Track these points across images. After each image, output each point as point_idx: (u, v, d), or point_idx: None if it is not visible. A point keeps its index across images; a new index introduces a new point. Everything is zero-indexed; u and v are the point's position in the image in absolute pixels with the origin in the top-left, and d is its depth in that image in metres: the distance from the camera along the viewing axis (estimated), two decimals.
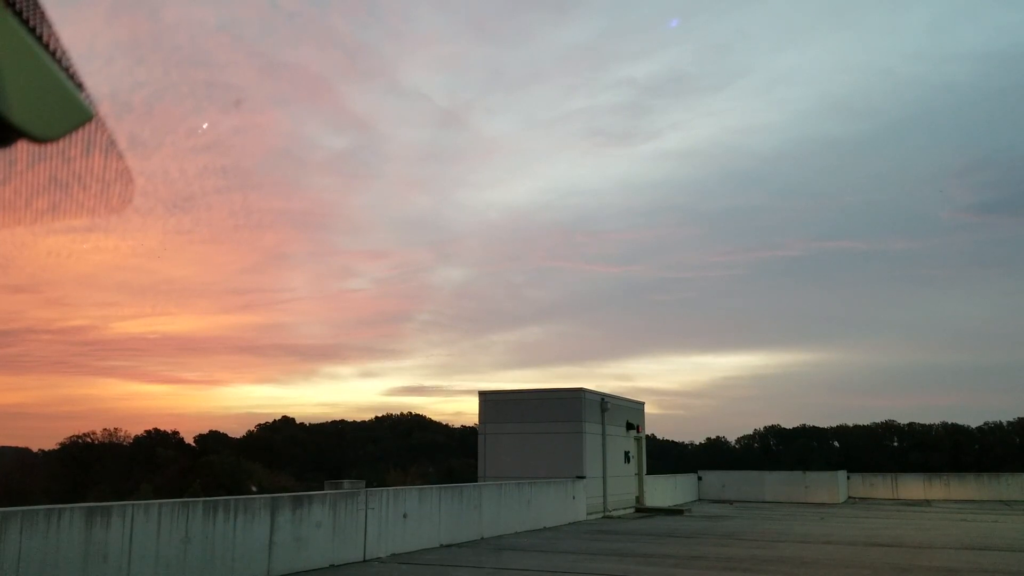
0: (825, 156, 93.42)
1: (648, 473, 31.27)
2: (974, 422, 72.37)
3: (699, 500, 36.27)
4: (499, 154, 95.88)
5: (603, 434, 26.88)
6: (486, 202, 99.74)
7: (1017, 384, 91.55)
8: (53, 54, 1.19)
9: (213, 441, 69.04)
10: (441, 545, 16.55)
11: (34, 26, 1.15)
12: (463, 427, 74.44)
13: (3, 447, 69.13)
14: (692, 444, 79.70)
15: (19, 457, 64.69)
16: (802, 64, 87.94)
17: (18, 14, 1.12)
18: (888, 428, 75.67)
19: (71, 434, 63.02)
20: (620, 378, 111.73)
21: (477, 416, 27.33)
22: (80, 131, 1.24)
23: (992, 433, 71.07)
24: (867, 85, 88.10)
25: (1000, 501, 35.71)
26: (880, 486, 39.37)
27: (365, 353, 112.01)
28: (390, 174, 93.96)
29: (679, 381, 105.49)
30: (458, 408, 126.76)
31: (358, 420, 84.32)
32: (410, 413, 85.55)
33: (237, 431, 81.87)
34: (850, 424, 76.73)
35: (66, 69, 1.21)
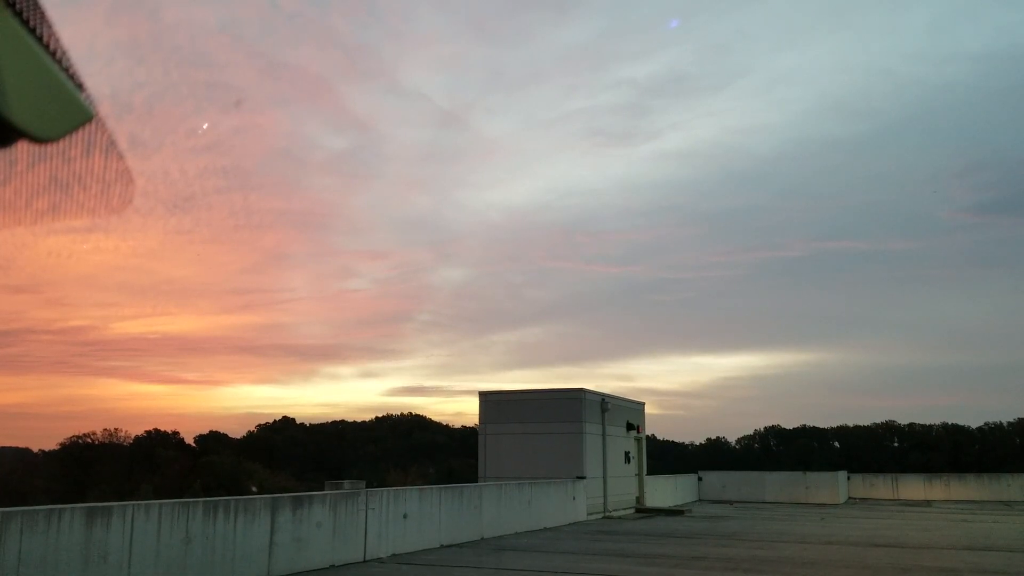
0: (825, 156, 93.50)
1: (648, 473, 31.27)
2: (974, 422, 72.46)
3: (699, 500, 36.26)
4: (499, 154, 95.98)
5: (603, 434, 26.88)
6: (486, 202, 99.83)
7: (1017, 384, 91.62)
8: (53, 54, 1.18)
9: (213, 441, 69.04)
10: (441, 545, 16.55)
11: (34, 26, 1.15)
12: (463, 427, 74.50)
13: (3, 447, 69.26)
14: (692, 444, 79.76)
15: (19, 457, 64.74)
16: (802, 64, 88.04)
17: (18, 14, 1.12)
18: (888, 428, 75.66)
19: (71, 434, 63.10)
20: (620, 378, 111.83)
21: (477, 416, 27.35)
22: (80, 131, 1.24)
23: (992, 433, 71.05)
24: (867, 85, 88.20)
25: (1000, 501, 35.70)
26: (880, 486, 39.36)
27: (365, 353, 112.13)
28: (390, 174, 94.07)
29: (679, 381, 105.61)
30: (458, 408, 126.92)
31: (358, 420, 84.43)
32: (410, 413, 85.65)
33: (237, 431, 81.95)
34: (850, 424, 76.81)
35: (66, 69, 1.21)
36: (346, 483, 17.45)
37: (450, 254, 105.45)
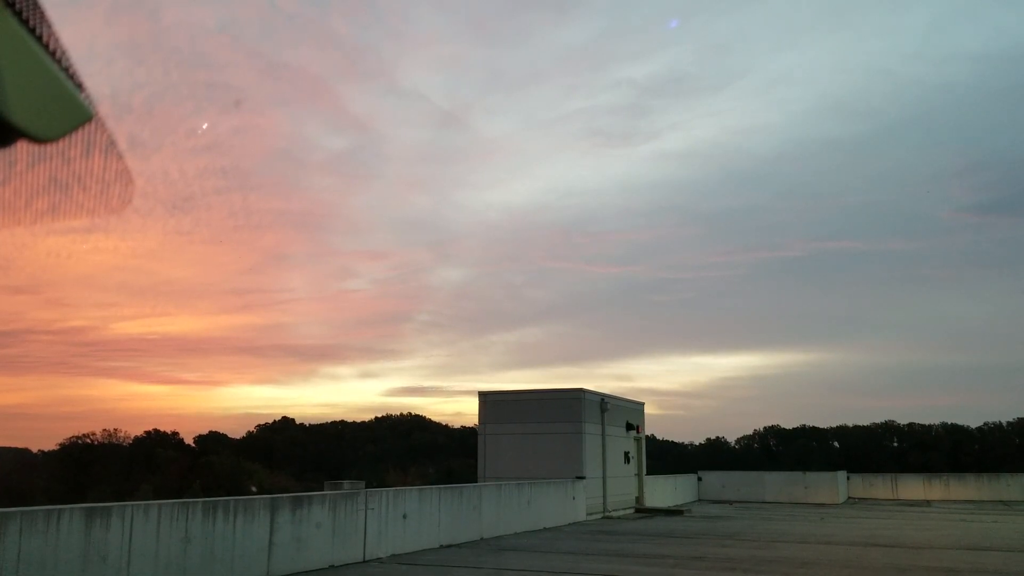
0: (825, 157, 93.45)
1: (648, 473, 31.27)
2: (974, 422, 72.44)
3: (699, 501, 36.27)
4: (499, 154, 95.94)
5: (603, 434, 26.88)
6: (485, 202, 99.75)
7: (1017, 384, 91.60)
8: (53, 54, 1.18)
9: (213, 442, 69.04)
10: (441, 546, 16.55)
11: (34, 26, 1.15)
12: (463, 428, 74.47)
13: (3, 448, 69.18)
14: (692, 444, 79.74)
15: (19, 458, 64.68)
16: (802, 64, 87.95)
17: (18, 14, 1.12)
18: (888, 428, 75.68)
19: (71, 435, 63.01)
20: (620, 378, 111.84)
21: (477, 416, 27.34)
22: (80, 132, 1.24)
23: (992, 433, 71.07)
24: (867, 86, 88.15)
25: (1000, 501, 35.71)
26: (880, 486, 39.37)
27: (364, 354, 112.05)
28: (389, 175, 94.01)
29: (679, 381, 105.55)
30: (458, 408, 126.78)
31: (358, 421, 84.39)
32: (410, 414, 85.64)
33: (237, 432, 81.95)
34: (850, 424, 76.79)
35: (66, 69, 1.21)
36: (345, 483, 17.45)
37: (450, 254, 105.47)
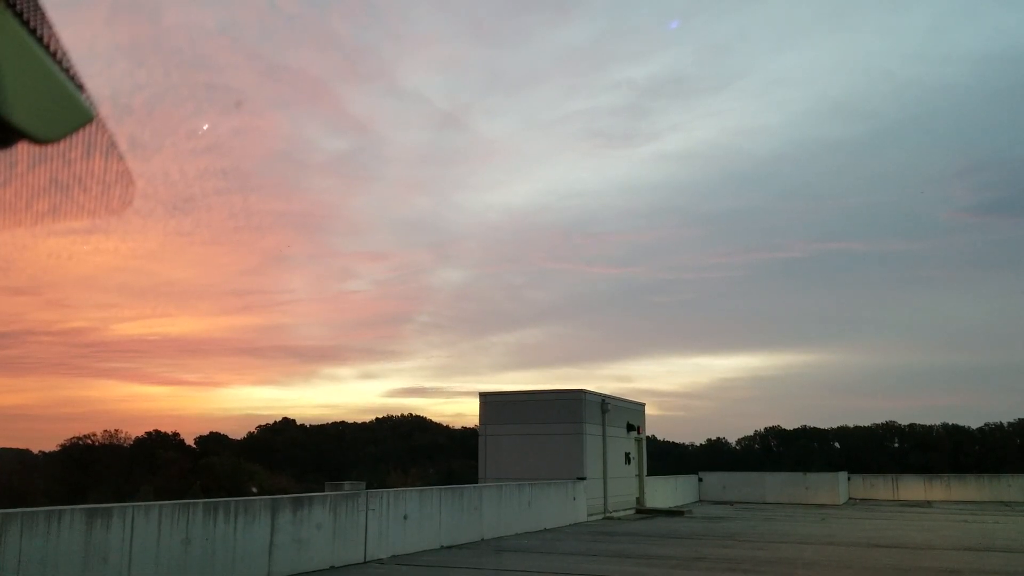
0: (825, 157, 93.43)
1: (649, 474, 31.26)
2: (974, 423, 72.43)
3: (700, 501, 36.25)
4: (499, 156, 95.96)
5: (603, 435, 26.87)
6: (486, 204, 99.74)
7: (1017, 384, 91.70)
8: (54, 55, 1.18)
9: (213, 443, 69.08)
10: (442, 546, 16.54)
11: (34, 27, 1.15)
12: (463, 428, 74.44)
13: (3, 449, 69.23)
14: (692, 445, 79.71)
15: (19, 459, 64.70)
16: (802, 65, 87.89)
17: (18, 15, 1.12)
18: (889, 429, 75.66)
19: (71, 436, 63.11)
20: (620, 379, 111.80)
21: (477, 417, 27.34)
22: (81, 133, 1.24)
23: (992, 434, 71.05)
24: (867, 86, 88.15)
25: (1000, 502, 35.68)
26: (881, 487, 39.35)
27: (365, 354, 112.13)
28: (389, 176, 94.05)
29: (679, 382, 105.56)
30: (458, 409, 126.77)
31: (358, 422, 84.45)
32: (410, 414, 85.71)
33: (237, 432, 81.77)
34: (851, 425, 76.78)
35: (67, 70, 1.21)
36: (346, 484, 17.43)
37: (450, 255, 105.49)
